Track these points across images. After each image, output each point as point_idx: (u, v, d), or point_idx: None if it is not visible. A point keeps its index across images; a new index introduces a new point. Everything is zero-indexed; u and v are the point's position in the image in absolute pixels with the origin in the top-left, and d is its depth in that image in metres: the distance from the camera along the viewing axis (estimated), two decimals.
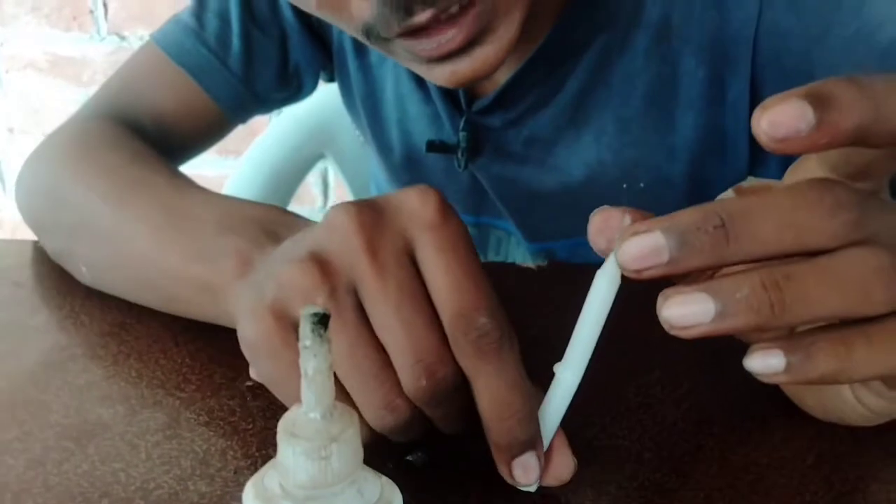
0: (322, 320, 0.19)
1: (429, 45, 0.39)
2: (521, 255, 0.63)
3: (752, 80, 0.49)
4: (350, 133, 0.89)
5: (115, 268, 0.41)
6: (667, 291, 0.22)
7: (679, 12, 0.49)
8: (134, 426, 0.32)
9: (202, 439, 0.31)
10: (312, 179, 1.14)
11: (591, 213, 0.25)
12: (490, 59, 0.41)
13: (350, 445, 0.20)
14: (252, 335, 0.28)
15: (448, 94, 0.56)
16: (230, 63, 0.57)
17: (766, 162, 0.54)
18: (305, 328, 0.19)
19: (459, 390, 0.27)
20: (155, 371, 0.36)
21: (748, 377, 0.36)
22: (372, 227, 0.27)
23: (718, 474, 0.30)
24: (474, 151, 0.56)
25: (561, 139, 0.54)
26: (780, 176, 0.55)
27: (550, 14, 0.49)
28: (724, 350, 0.34)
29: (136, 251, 0.38)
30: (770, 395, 0.34)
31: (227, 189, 0.82)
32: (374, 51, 0.59)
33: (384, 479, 0.21)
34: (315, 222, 0.35)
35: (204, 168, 0.59)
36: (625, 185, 0.55)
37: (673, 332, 0.22)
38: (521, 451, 0.27)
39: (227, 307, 0.32)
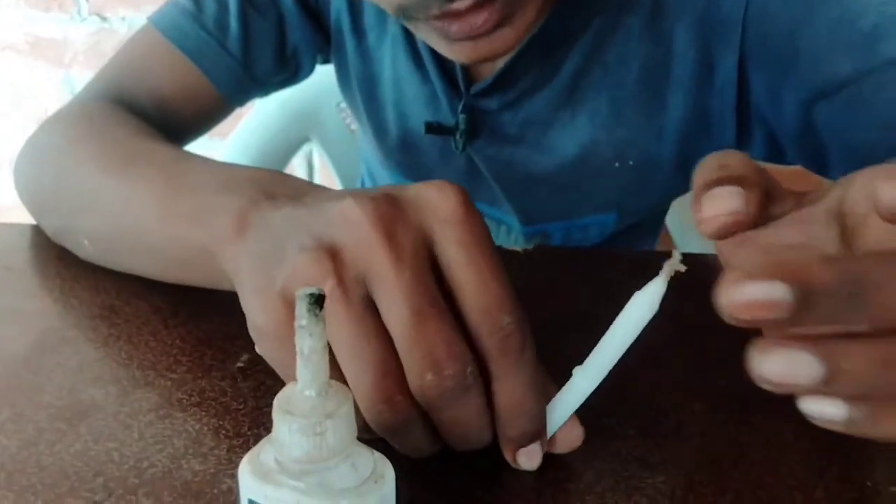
0: (318, 300, 0.19)
1: (459, 27, 0.41)
2: (511, 244, 0.64)
3: (740, 63, 0.50)
4: (335, 116, 0.89)
5: (117, 238, 0.40)
6: (765, 344, 0.20)
7: None
8: (126, 407, 0.32)
9: (194, 419, 0.32)
10: (297, 163, 1.14)
11: (701, 195, 0.24)
12: (509, 40, 0.43)
13: (344, 422, 0.20)
14: (261, 321, 0.28)
15: (447, 76, 0.56)
16: (229, 46, 0.57)
17: (752, 143, 0.55)
18: (301, 308, 0.19)
19: (466, 395, 0.26)
20: (146, 353, 0.36)
21: (728, 359, 0.37)
22: (389, 219, 0.27)
23: (700, 450, 0.31)
24: (471, 134, 0.57)
25: (556, 120, 0.55)
26: (763, 157, 0.56)
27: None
28: (706, 332, 0.35)
29: (137, 219, 0.38)
30: (741, 368, 0.35)
31: None
32: (372, 32, 0.60)
33: (377, 454, 0.22)
34: (315, 184, 0.35)
35: (190, 150, 0.59)
36: (616, 164, 0.56)
37: (763, 386, 0.20)
38: (528, 442, 0.28)
39: (223, 267, 0.32)
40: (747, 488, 0.29)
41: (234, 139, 0.86)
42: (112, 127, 0.47)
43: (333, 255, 0.26)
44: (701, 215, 0.24)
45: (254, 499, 0.21)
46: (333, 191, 0.32)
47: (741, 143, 0.55)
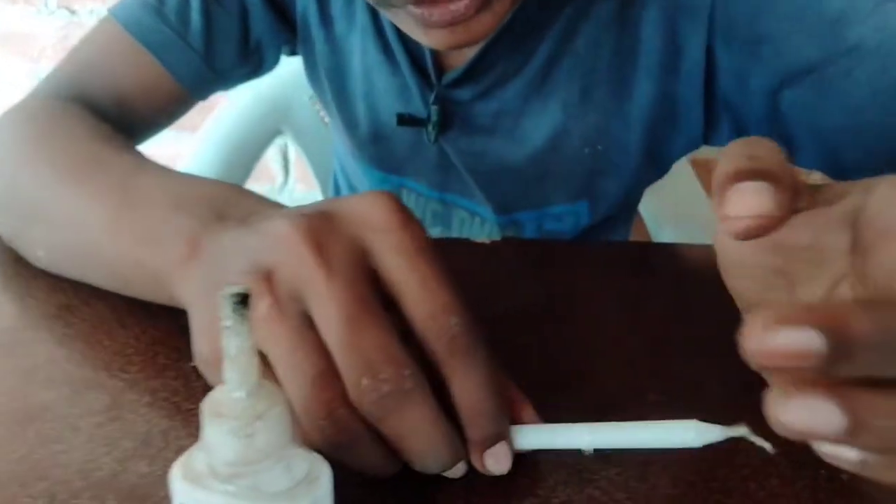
0: (242, 300, 0.19)
1: (440, 14, 0.41)
2: (484, 235, 0.63)
3: (707, 49, 0.50)
4: (308, 108, 0.88)
5: (71, 250, 0.40)
6: (787, 389, 0.18)
7: None
8: (76, 408, 0.32)
9: (144, 420, 0.31)
10: (272, 156, 1.13)
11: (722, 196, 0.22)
12: (485, 27, 0.43)
13: (276, 423, 0.20)
14: (204, 350, 0.28)
15: (417, 67, 0.56)
16: (191, 40, 0.56)
17: (719, 129, 0.55)
18: (226, 308, 0.19)
19: (407, 400, 0.25)
20: (99, 353, 0.36)
21: (686, 349, 0.37)
22: (319, 233, 0.26)
23: None
24: (444, 125, 0.57)
25: (529, 109, 0.55)
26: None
27: None
28: (666, 321, 0.35)
29: (90, 234, 0.37)
30: (706, 361, 0.35)
31: (184, 166, 0.81)
32: (340, 23, 0.59)
33: (314, 455, 0.22)
34: (269, 201, 0.34)
35: (159, 144, 0.58)
36: (587, 150, 0.56)
37: (781, 433, 0.19)
38: (493, 443, 0.28)
39: (173, 291, 0.32)
40: (701, 479, 0.29)
41: (204, 133, 0.85)
42: (66, 130, 0.46)
43: (268, 276, 0.26)
44: (725, 212, 0.22)
45: None
46: (280, 210, 0.32)
47: (708, 129, 0.55)
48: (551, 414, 0.29)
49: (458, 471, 0.28)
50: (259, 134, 0.89)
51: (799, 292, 0.26)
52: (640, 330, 0.38)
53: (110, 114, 0.52)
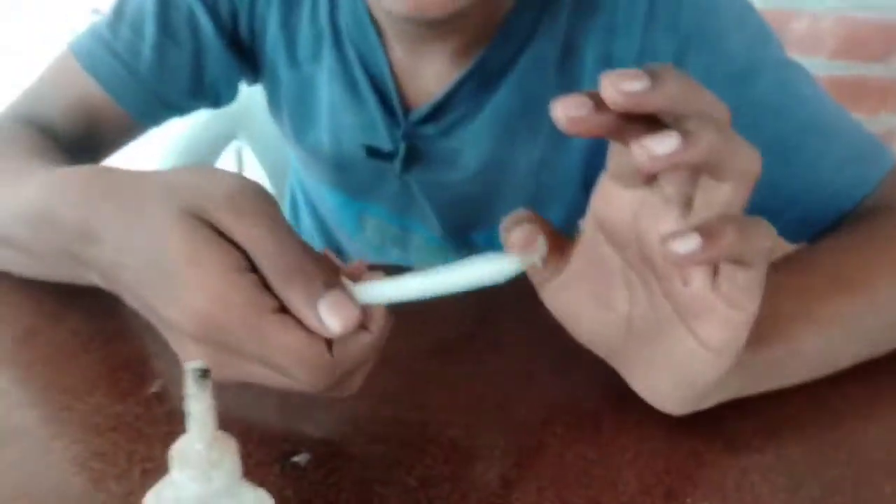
0: (204, 373, 0.24)
1: None
2: (442, 258, 0.69)
3: None
4: (265, 114, 0.91)
5: None
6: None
7: (578, 33, 0.55)
8: (46, 431, 0.36)
9: (110, 443, 0.35)
10: (227, 161, 1.15)
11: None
12: None
13: (228, 469, 0.25)
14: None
15: (384, 105, 0.60)
16: (140, 73, 0.59)
17: None
18: (189, 381, 0.23)
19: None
20: (65, 377, 0.39)
21: (590, 379, 0.42)
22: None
23: (552, 468, 0.36)
24: (409, 159, 0.61)
25: (484, 146, 0.60)
26: None
27: (487, 33, 0.55)
28: (580, 353, 0.40)
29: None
30: (604, 394, 0.40)
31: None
32: (307, 63, 0.62)
33: (260, 490, 0.26)
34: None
35: None
36: (531, 180, 0.62)
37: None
38: (321, 293, 0.30)
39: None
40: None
41: (160, 135, 0.88)
42: (8, 145, 0.50)
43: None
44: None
45: None
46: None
47: None
48: (454, 438, 0.34)
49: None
50: (214, 138, 0.92)
51: None
52: (541, 357, 0.44)
53: (66, 136, 0.56)
